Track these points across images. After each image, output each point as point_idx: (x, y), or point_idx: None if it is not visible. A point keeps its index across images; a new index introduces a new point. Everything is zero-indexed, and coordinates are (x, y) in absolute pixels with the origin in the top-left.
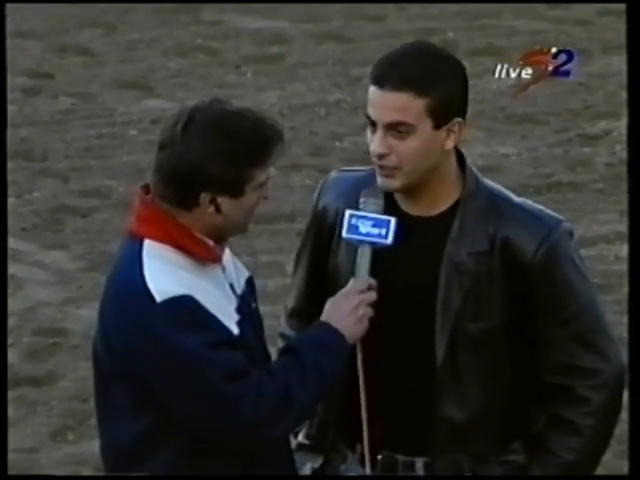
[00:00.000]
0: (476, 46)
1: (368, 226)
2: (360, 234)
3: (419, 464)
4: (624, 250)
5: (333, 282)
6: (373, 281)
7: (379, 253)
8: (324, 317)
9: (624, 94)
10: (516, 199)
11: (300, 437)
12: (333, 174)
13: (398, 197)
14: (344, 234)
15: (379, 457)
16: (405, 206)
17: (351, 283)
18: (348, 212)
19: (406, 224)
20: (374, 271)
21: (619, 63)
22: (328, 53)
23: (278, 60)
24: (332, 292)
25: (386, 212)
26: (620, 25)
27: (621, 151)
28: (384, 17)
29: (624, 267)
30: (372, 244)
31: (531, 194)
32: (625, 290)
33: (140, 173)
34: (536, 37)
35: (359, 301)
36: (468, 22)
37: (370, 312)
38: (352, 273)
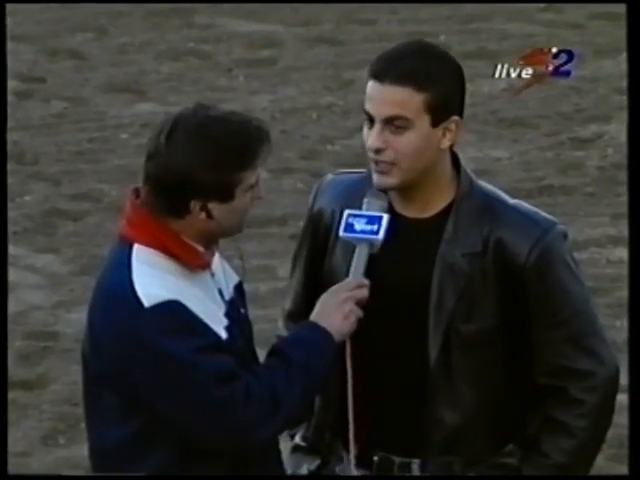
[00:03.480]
0: (468, 49)
1: (362, 224)
2: (355, 232)
3: (415, 465)
4: (616, 253)
5: (329, 284)
6: (366, 281)
7: (374, 255)
8: (313, 315)
9: (616, 97)
10: (510, 201)
11: (297, 439)
12: (329, 176)
13: (393, 199)
14: (341, 233)
15: (375, 458)
16: (399, 207)
17: (345, 281)
18: (347, 211)
19: (400, 225)
20: (368, 271)
21: (611, 66)
22: (320, 57)
23: (270, 64)
24: None
25: None
26: (612, 28)
27: (612, 154)
28: (376, 21)
29: (616, 270)
30: (365, 240)
31: (523, 198)
32: (617, 293)
33: (131, 177)
34: (528, 40)
35: (346, 297)
36: (460, 25)
37: (358, 310)
38: (347, 273)
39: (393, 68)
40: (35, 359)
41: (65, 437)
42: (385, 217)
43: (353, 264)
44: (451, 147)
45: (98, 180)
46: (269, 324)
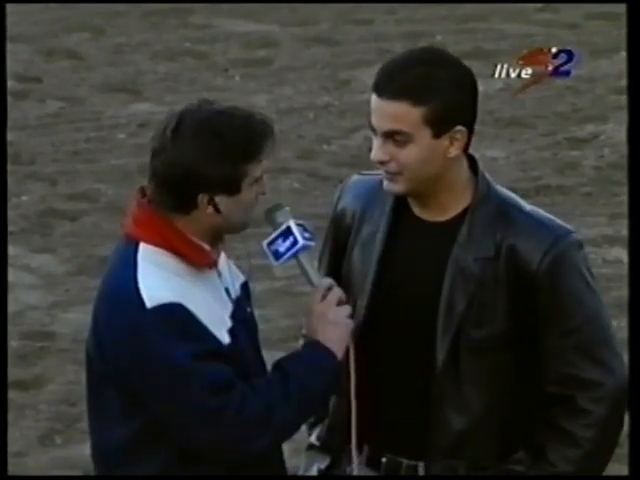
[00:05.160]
0: (464, 49)
1: (281, 244)
2: (284, 254)
3: (421, 468)
4: (612, 253)
5: (347, 282)
6: (329, 280)
7: (386, 256)
8: (309, 337)
9: (612, 97)
10: (527, 207)
11: (312, 438)
12: (354, 177)
13: (411, 202)
14: (276, 264)
15: (383, 460)
16: (417, 210)
17: (310, 294)
18: (263, 244)
19: (417, 228)
20: (381, 272)
21: (607, 66)
22: (316, 56)
23: (266, 63)
24: (346, 292)
25: (399, 216)
26: (608, 28)
27: (609, 154)
28: (372, 21)
29: (612, 270)
30: (297, 253)
31: (519, 197)
32: (614, 293)
33: (128, 176)
34: (525, 40)
35: (323, 308)
36: (457, 25)
37: (344, 309)
38: (367, 269)
39: (391, 82)
40: (32, 359)
41: (62, 437)
42: (291, 224)
43: (308, 274)
44: (466, 151)
45: (95, 180)
46: (266, 324)
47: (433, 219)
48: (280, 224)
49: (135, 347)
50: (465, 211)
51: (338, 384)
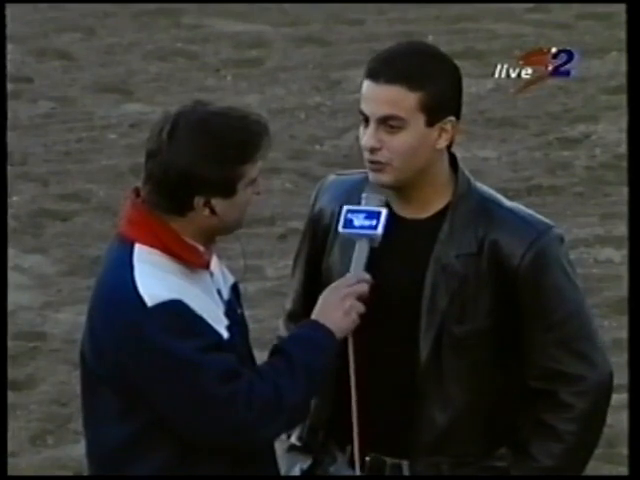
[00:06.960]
0: (456, 49)
1: (361, 219)
2: (354, 227)
3: (406, 466)
4: (604, 253)
5: (327, 282)
6: (367, 275)
7: (370, 255)
8: (314, 312)
9: (603, 97)
10: (507, 203)
11: (292, 439)
12: (331, 177)
13: (391, 199)
14: (340, 229)
15: (367, 459)
16: (396, 208)
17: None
18: (345, 207)
19: (398, 226)
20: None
21: (598, 66)
22: (308, 57)
23: (258, 64)
24: None
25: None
26: (599, 28)
27: (600, 154)
28: (364, 21)
29: (604, 270)
30: (364, 236)
31: (511, 198)
32: (605, 293)
33: (120, 177)
34: (516, 40)
35: (346, 293)
36: (448, 25)
37: (360, 306)
38: (347, 269)
39: (387, 68)
40: (23, 359)
41: (53, 437)
42: (383, 212)
43: (353, 260)
44: (449, 148)
45: (86, 180)
46: (258, 324)
47: (413, 216)
48: (371, 205)
49: (138, 346)
50: (445, 208)
51: (335, 364)
